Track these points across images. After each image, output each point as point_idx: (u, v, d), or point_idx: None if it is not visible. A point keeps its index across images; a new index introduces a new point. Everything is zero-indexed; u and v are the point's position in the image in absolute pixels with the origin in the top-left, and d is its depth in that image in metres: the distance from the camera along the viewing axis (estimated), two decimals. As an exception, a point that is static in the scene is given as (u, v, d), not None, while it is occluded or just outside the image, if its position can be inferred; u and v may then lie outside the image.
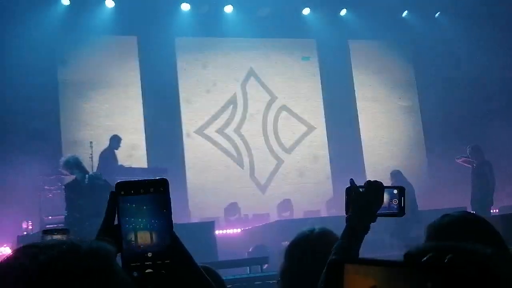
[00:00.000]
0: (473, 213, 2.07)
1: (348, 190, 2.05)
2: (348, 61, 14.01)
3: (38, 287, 0.90)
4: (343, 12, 13.67)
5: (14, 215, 9.70)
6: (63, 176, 9.62)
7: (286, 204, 12.27)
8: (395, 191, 2.06)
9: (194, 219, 11.26)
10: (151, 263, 1.11)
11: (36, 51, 10.99)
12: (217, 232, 9.79)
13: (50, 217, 9.44)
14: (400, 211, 2.05)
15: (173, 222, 1.20)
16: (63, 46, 11.89)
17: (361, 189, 2.04)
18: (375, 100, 14.06)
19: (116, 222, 1.15)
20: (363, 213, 1.99)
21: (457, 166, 11.46)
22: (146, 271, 1.10)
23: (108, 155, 9.97)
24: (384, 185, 2.06)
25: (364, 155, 13.53)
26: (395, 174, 10.32)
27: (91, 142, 9.82)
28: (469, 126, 13.16)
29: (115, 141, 10.31)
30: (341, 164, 12.47)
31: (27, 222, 9.63)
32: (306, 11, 13.47)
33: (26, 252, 0.95)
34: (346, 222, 2.00)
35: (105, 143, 10.37)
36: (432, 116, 13.79)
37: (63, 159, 8.20)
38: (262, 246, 9.20)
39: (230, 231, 10.80)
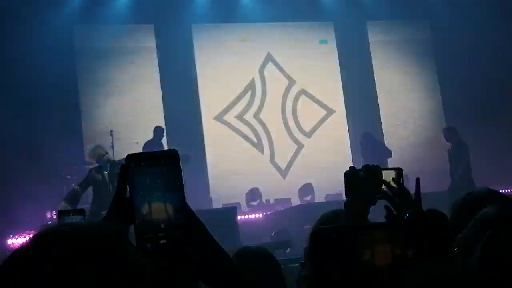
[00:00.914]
0: (496, 190, 2.04)
1: (346, 175, 2.02)
2: (367, 43, 13.89)
3: (44, 269, 0.91)
4: (360, -7, 13.53)
5: (39, 205, 9.83)
6: (85, 166, 9.75)
7: (307, 188, 12.26)
8: (394, 173, 2.02)
9: (216, 206, 11.30)
10: (164, 234, 1.10)
11: (54, 43, 11.05)
12: (239, 217, 9.82)
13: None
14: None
15: (195, 209, 1.20)
16: (80, 37, 11.95)
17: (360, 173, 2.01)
18: (395, 81, 13.94)
19: (128, 195, 1.14)
20: (361, 197, 1.96)
21: (476, 147, 11.38)
22: (160, 242, 1.10)
23: (152, 146, 10.07)
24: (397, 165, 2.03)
25: (384, 136, 13.44)
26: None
27: (111, 131, 9.91)
28: (491, 105, 12.99)
29: (157, 132, 10.58)
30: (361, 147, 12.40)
31: (51, 212, 9.75)
32: (322, -7, 13.36)
33: (37, 239, 0.96)
34: (344, 207, 1.98)
35: (125, 133, 10.44)
36: (453, 95, 13.62)
37: (89, 147, 8.47)
38: (284, 230, 9.21)
39: (252, 216, 10.82)
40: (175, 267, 1.11)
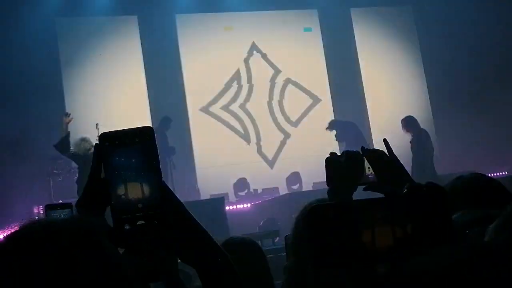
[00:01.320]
0: (485, 175, 2.04)
1: (327, 162, 1.97)
2: (351, 30, 13.90)
3: (16, 264, 0.90)
4: (344, -20, 13.52)
5: (26, 200, 9.77)
6: (70, 160, 9.70)
7: (294, 177, 12.29)
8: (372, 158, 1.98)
9: (204, 197, 11.29)
10: (142, 214, 1.07)
11: (36, 35, 10.93)
12: (227, 208, 9.83)
13: (60, 201, 9.49)
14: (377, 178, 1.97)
15: (183, 200, 1.18)
16: (64, 28, 11.84)
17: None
18: (380, 68, 13.97)
19: (103, 175, 1.11)
20: (343, 185, 1.93)
21: (465, 133, 11.46)
22: (138, 223, 1.07)
23: (158, 136, 10.04)
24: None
25: (370, 125, 13.48)
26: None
27: (97, 124, 9.83)
28: (476, 92, 13.06)
29: (163, 122, 10.83)
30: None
31: (38, 207, 9.70)
32: (306, -19, 13.33)
33: (7, 240, 0.95)
34: (327, 195, 1.95)
35: (111, 125, 10.36)
36: (438, 82, 13.69)
37: (74, 140, 8.56)
38: (272, 219, 9.24)
39: (240, 206, 10.83)
40: (154, 247, 1.09)
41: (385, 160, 1.96)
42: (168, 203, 1.10)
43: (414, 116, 11.26)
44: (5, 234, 0.95)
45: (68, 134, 8.82)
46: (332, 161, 1.97)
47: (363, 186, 1.98)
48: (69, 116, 9.19)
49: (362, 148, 2.00)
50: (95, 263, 0.94)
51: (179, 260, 1.21)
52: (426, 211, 0.87)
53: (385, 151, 2.01)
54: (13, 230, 0.95)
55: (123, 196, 1.08)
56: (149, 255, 1.10)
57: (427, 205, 0.88)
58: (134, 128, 1.12)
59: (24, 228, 0.96)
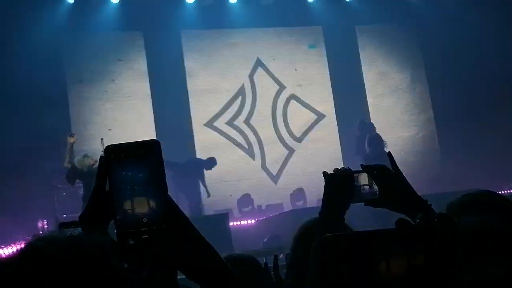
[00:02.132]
0: (493, 192, 2.01)
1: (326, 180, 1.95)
2: (356, 47, 13.92)
3: (27, 281, 0.90)
4: (348, -3, 13.58)
5: (30, 214, 9.77)
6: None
7: (299, 193, 12.25)
8: (367, 174, 1.94)
9: (208, 212, 11.27)
10: (147, 228, 1.07)
11: (42, 50, 10.97)
12: (231, 224, 9.79)
13: (64, 215, 9.50)
14: (379, 194, 1.92)
15: (188, 215, 1.18)
16: (69, 44, 11.89)
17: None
18: (384, 85, 13.98)
19: (107, 189, 1.11)
20: (331, 205, 1.91)
21: (469, 150, 11.41)
22: (142, 237, 1.06)
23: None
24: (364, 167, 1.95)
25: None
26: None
27: (102, 139, 9.86)
28: (480, 108, 13.05)
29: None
30: (352, 150, 12.41)
31: (43, 221, 9.69)
32: (311, -2, 13.38)
33: (30, 248, 0.94)
34: (319, 217, 1.93)
35: (115, 140, 10.36)
36: (443, 99, 13.67)
37: (77, 157, 8.62)
38: (276, 236, 9.19)
39: (244, 222, 10.79)
40: (158, 262, 1.08)
41: (388, 175, 1.94)
42: (173, 217, 1.10)
43: (418, 133, 11.31)
44: (14, 250, 0.95)
45: (73, 166, 8.87)
46: (325, 181, 1.94)
47: (355, 203, 1.95)
48: (73, 136, 9.21)
49: (362, 165, 1.99)
50: (103, 280, 0.93)
51: (184, 276, 1.20)
52: (438, 242, 0.87)
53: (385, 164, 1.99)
54: (21, 247, 0.95)
55: (128, 211, 1.07)
56: (152, 269, 1.09)
57: (439, 236, 0.87)
58: (140, 141, 1.11)
59: (35, 245, 0.96)
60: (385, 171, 1.93)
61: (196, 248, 1.15)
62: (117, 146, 1.11)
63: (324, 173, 1.97)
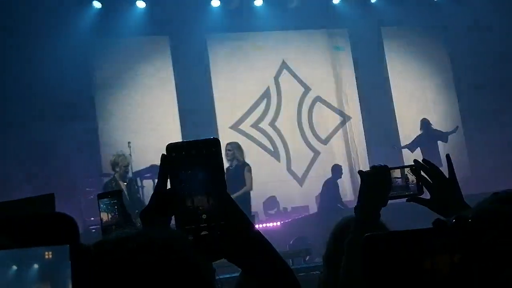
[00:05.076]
0: None
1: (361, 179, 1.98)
2: (381, 49, 13.85)
3: (116, 282, 0.91)
4: (374, -1, 13.52)
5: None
6: (102, 178, 9.83)
7: (324, 195, 12.20)
8: (408, 170, 1.97)
9: (234, 215, 11.27)
10: (206, 225, 1.09)
11: (69, 55, 11.13)
12: (257, 226, 9.76)
13: (92, 219, 9.59)
14: (419, 190, 1.97)
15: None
16: (97, 49, 12.05)
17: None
18: (410, 87, 13.87)
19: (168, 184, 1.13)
20: (368, 201, 1.93)
21: (497, 153, 11.27)
22: (201, 234, 1.09)
23: None
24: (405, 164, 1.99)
25: (401, 142, 13.37)
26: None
27: (129, 143, 9.96)
28: (508, 112, 12.88)
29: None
30: (378, 152, 12.35)
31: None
32: (336, 0, 13.34)
33: (99, 249, 0.95)
34: (354, 213, 1.95)
35: (142, 143, 10.47)
36: (470, 101, 13.53)
37: (113, 155, 8.62)
38: (303, 238, 9.20)
39: (270, 225, 10.80)
40: (216, 258, 1.10)
41: (441, 175, 1.95)
42: (231, 214, 1.12)
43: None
44: (93, 250, 0.96)
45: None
46: (361, 178, 1.97)
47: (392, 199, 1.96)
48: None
49: (415, 160, 2.00)
50: (188, 272, 0.94)
51: (243, 272, 1.22)
52: (472, 243, 0.87)
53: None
54: (101, 244, 0.96)
55: (189, 207, 1.10)
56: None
57: (473, 237, 0.88)
58: (201, 139, 1.14)
59: (118, 242, 0.96)
60: (440, 174, 1.94)
61: (253, 245, 1.16)
62: (178, 144, 1.13)
63: (360, 172, 1.98)
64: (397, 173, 1.97)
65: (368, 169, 2.01)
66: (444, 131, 12.91)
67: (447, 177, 1.97)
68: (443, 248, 0.86)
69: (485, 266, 0.87)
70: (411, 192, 1.97)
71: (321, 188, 11.48)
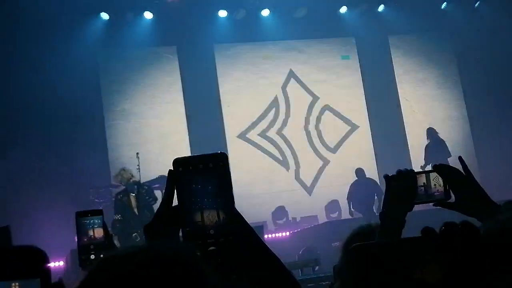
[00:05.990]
0: None
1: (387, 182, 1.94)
2: (389, 57, 13.84)
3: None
4: (381, 7, 13.51)
5: (67, 229, 9.88)
6: (111, 189, 9.85)
7: (333, 205, 12.18)
8: (433, 174, 1.94)
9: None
10: (213, 240, 1.08)
11: (79, 67, 11.21)
12: (266, 236, 9.77)
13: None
14: (446, 195, 1.93)
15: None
16: (105, 60, 12.11)
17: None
18: (418, 95, 13.85)
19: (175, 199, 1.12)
20: (393, 207, 1.89)
21: (508, 160, 11.20)
22: (209, 249, 1.08)
23: None
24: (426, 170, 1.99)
25: (410, 150, 13.32)
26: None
27: (137, 153, 9.95)
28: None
29: None
30: (387, 161, 12.31)
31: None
32: (343, 9, 13.36)
33: (105, 265, 0.93)
34: (379, 219, 1.91)
35: (150, 154, 10.50)
36: (478, 110, 13.48)
37: (115, 171, 8.79)
38: (312, 248, 9.15)
39: (279, 234, 10.76)
40: (224, 273, 1.08)
41: (461, 177, 1.93)
42: (239, 229, 1.11)
43: (455, 142, 11.24)
44: (100, 266, 0.93)
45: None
46: (386, 183, 1.94)
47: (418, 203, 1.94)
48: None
49: (435, 165, 1.98)
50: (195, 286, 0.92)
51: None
52: (460, 251, 0.86)
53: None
54: (105, 262, 0.93)
55: (198, 222, 1.09)
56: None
57: (461, 245, 0.86)
58: (208, 154, 1.14)
59: (126, 258, 0.94)
60: (459, 173, 1.92)
61: (260, 259, 1.14)
62: (185, 159, 1.12)
63: (386, 176, 1.96)
64: (422, 178, 1.94)
65: (377, 179, 1.99)
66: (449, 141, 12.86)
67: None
68: (432, 256, 0.85)
69: (474, 274, 0.85)
70: (437, 197, 1.94)
71: (347, 191, 11.24)
